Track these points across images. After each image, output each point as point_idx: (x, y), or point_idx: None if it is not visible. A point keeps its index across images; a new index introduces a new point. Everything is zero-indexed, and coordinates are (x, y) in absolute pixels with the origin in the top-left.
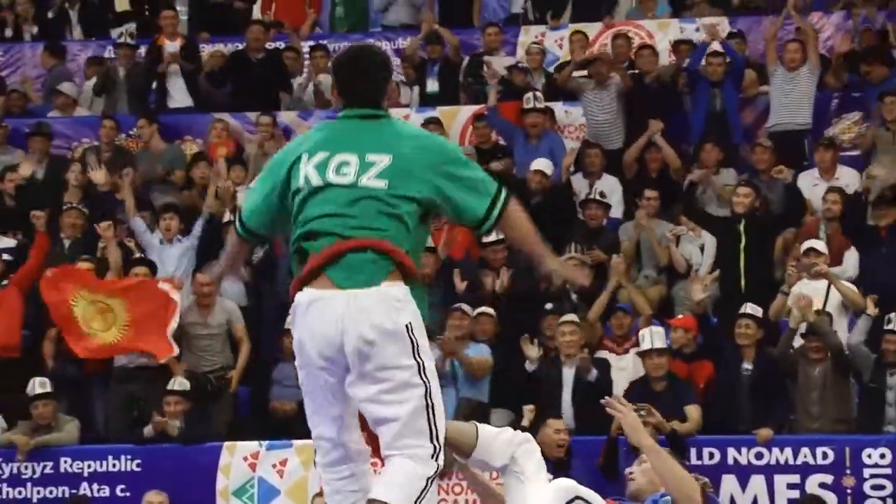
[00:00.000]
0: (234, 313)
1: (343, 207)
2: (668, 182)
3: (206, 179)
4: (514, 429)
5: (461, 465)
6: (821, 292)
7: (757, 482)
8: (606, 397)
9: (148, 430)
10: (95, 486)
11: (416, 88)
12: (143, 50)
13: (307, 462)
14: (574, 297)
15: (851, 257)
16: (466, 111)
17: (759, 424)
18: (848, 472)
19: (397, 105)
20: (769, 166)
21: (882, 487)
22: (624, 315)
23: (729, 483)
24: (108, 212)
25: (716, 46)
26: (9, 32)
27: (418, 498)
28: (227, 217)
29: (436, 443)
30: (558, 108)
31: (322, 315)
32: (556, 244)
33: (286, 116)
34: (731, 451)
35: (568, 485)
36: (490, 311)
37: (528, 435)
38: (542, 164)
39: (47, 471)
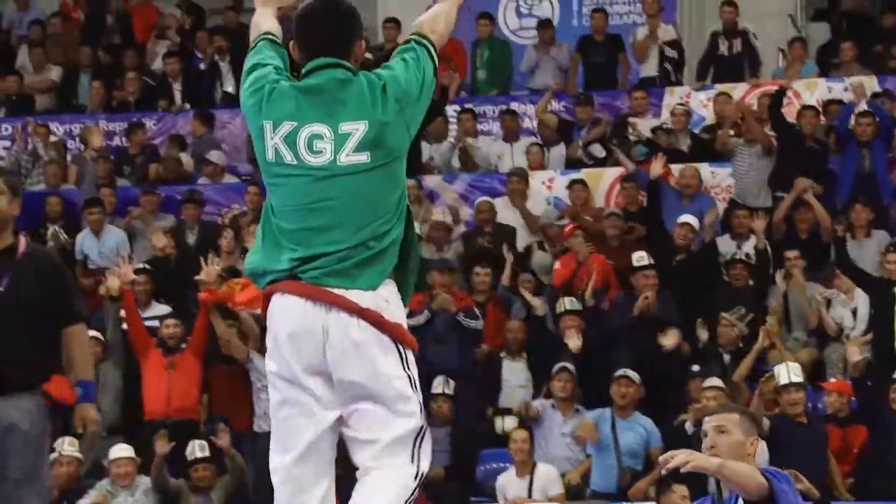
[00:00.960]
0: None
1: (324, 215)
2: (818, 242)
3: None
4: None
5: None
6: None
7: None
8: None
9: None
10: None
11: (561, 148)
12: None
13: None
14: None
15: None
16: (612, 173)
17: None
18: None
19: (541, 168)
20: None
21: None
22: (773, 378)
23: None
24: None
25: (863, 106)
26: (163, 103)
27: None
28: None
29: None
30: (705, 169)
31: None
32: (700, 304)
33: (431, 181)
34: None
35: None
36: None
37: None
38: (689, 218)
39: None
